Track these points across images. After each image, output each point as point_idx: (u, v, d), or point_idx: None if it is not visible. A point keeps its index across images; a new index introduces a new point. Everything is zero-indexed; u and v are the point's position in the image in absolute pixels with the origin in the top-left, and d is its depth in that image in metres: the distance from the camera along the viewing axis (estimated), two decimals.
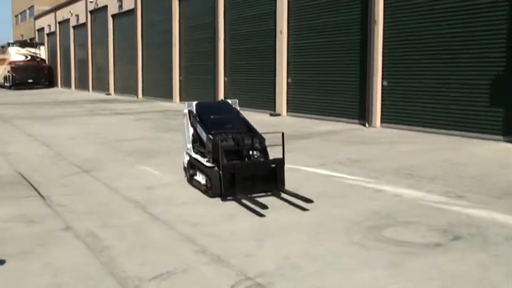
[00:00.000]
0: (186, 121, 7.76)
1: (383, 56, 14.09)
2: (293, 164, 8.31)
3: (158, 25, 27.18)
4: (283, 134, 6.97)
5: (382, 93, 14.22)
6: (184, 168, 7.93)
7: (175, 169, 8.81)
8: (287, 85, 17.88)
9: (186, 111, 7.75)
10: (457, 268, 4.51)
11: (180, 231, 5.59)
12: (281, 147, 6.97)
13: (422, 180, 7.84)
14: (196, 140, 7.60)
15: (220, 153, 6.63)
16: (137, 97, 29.59)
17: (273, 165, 6.85)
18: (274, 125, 14.61)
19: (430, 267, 4.51)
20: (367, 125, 14.46)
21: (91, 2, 35.66)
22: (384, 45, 14.06)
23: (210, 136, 6.99)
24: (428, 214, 6.09)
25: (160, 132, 13.99)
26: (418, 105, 13.28)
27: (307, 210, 6.20)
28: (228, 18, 21.13)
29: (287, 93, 17.92)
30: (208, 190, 6.89)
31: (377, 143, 11.77)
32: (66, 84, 44.09)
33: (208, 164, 6.97)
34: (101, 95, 33.46)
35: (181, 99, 25.09)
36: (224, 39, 21.38)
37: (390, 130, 13.66)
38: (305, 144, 11.54)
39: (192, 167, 7.50)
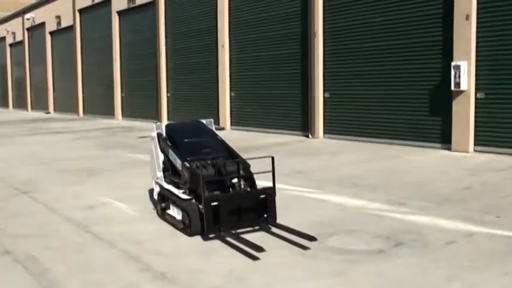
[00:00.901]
0: (155, 146, 6.83)
1: (324, 68, 14.32)
2: None
3: (98, 41, 26.80)
4: (273, 158, 6.02)
5: (324, 105, 14.42)
6: (154, 200, 7.02)
7: (117, 187, 8.67)
8: (230, 99, 17.91)
9: (154, 134, 6.84)
10: (400, 273, 4.58)
11: (123, 249, 5.47)
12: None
13: (364, 189, 7.96)
14: (168, 168, 6.66)
15: (201, 185, 5.65)
16: (78, 115, 29.03)
17: (263, 196, 5.96)
18: None
19: (375, 274, 4.57)
20: (310, 136, 14.62)
21: (28, 19, 34.87)
22: (324, 58, 14.30)
23: (186, 164, 6.04)
24: (371, 222, 6.19)
25: (102, 150, 13.74)
26: (359, 116, 13.54)
27: (308, 248, 5.27)
28: (169, 33, 21.05)
29: (231, 107, 17.96)
30: (187, 228, 5.90)
31: (320, 153, 11.90)
32: (4, 104, 42.84)
33: (185, 197, 6.04)
34: (41, 114, 32.66)
35: (123, 116, 24.78)
36: (166, 54, 21.27)
37: (333, 141, 13.85)
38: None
39: (164, 199, 6.55)
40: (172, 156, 6.40)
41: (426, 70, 12.02)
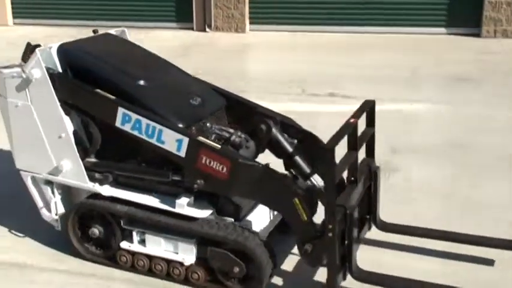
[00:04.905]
0: (40, 99, 3.19)
1: None
2: None
3: None
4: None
5: None
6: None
7: None
8: None
9: (39, 72, 3.10)
10: None
11: None
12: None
13: None
14: (87, 150, 3.27)
15: (350, 219, 2.77)
16: None
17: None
18: None
19: None
20: None
21: None
22: None
23: (216, 145, 2.93)
24: None
25: None
26: None
27: None
28: None
29: None
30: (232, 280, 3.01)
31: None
32: None
33: (201, 213, 3.01)
34: None
35: None
36: None
37: (28, 27, 12.65)
38: None
39: (92, 218, 3.29)
40: (139, 122, 2.99)
41: None
